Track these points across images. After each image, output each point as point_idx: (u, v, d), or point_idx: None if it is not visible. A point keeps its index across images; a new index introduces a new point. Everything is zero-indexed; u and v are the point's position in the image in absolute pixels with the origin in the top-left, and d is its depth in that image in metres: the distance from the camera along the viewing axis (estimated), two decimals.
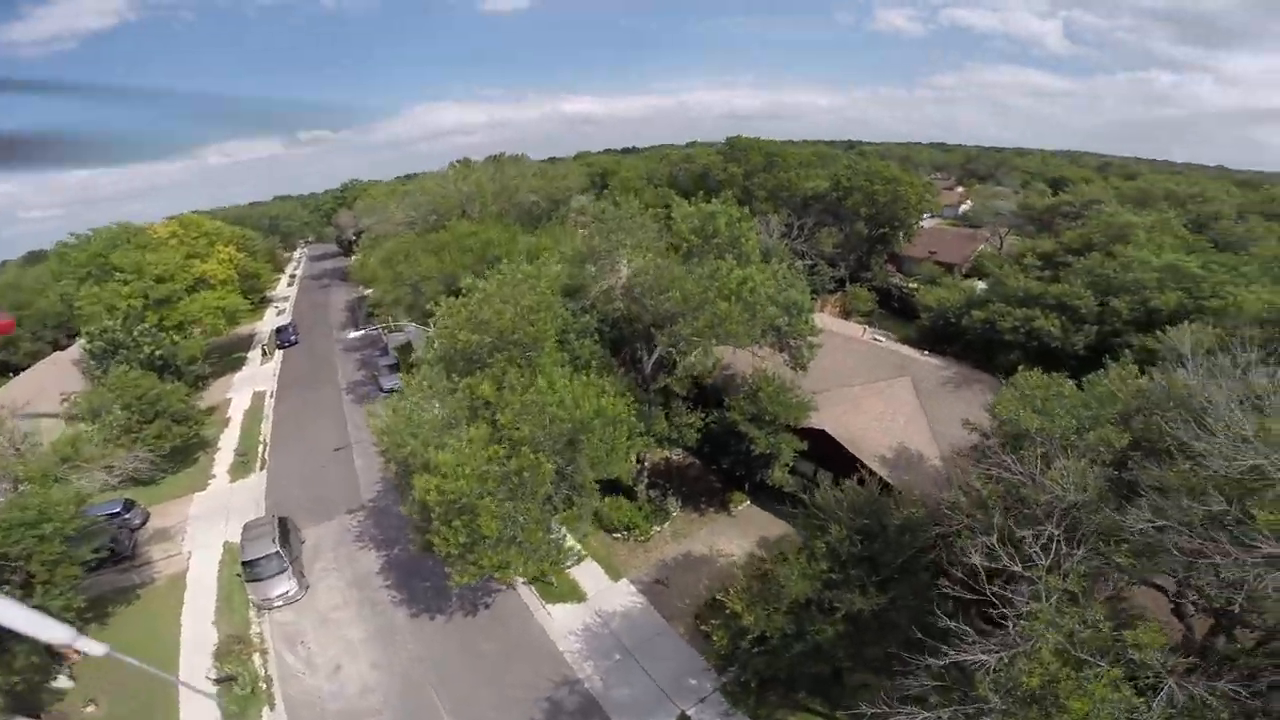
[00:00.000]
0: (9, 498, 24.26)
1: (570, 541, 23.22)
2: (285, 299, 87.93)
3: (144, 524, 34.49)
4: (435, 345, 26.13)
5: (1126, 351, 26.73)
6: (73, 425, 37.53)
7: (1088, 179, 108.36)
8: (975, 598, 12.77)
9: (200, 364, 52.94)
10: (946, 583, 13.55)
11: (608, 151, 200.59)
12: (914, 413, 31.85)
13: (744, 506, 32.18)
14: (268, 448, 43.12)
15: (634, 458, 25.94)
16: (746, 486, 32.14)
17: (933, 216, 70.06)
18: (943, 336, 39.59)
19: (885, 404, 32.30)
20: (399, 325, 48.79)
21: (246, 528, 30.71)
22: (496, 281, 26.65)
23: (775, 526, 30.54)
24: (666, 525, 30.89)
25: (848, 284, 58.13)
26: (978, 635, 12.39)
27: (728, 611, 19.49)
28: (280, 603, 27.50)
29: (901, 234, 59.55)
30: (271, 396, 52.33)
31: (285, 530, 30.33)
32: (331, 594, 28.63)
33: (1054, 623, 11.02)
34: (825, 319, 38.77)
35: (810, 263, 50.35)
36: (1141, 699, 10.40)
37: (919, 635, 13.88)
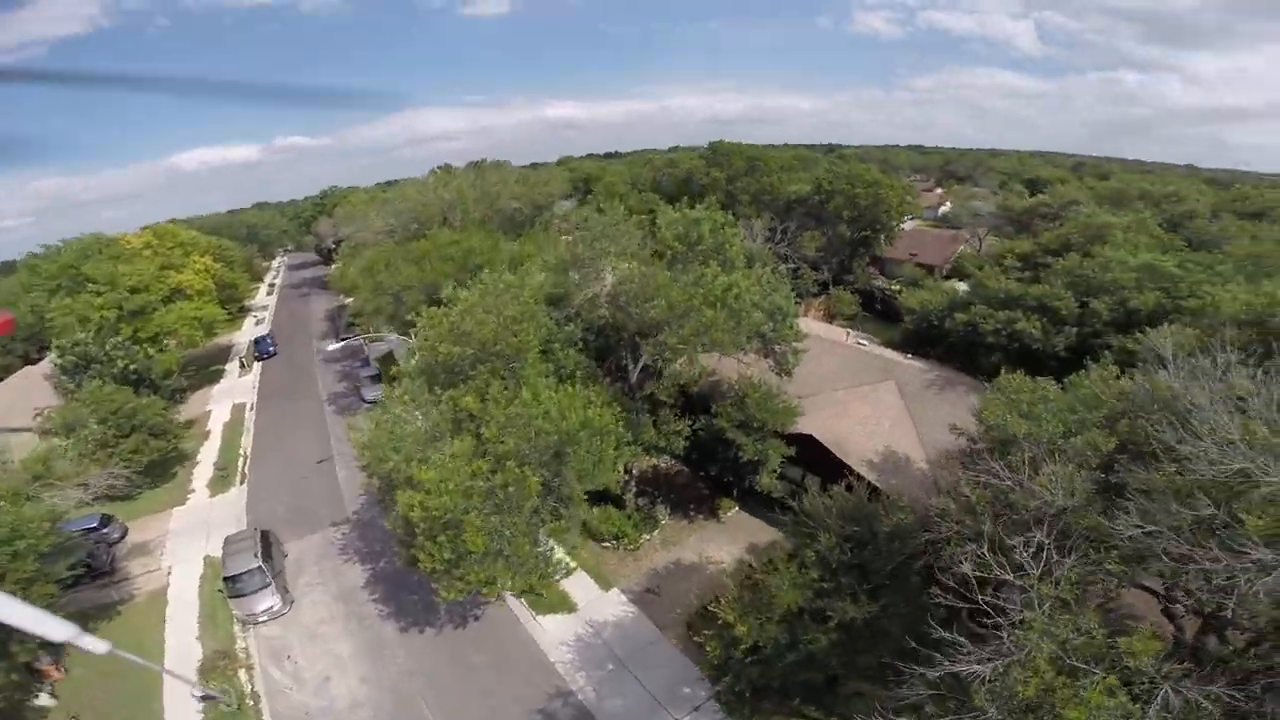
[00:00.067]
0: None
1: (559, 554, 22.94)
2: (264, 309, 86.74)
3: (122, 539, 33.82)
4: (416, 357, 25.77)
5: (1107, 352, 27.00)
6: (46, 440, 36.75)
7: (1063, 179, 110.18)
8: (968, 606, 12.74)
9: (177, 377, 52.01)
10: (938, 591, 13.50)
11: (590, 156, 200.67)
12: (899, 416, 31.99)
13: (733, 513, 32.09)
14: (248, 461, 42.45)
15: (622, 467, 25.74)
16: (735, 493, 32.05)
17: (913, 218, 70.63)
18: (926, 339, 39.87)
19: (871, 408, 32.41)
20: (380, 335, 48.18)
21: (227, 542, 30.13)
22: (478, 292, 26.31)
23: (764, 532, 30.44)
24: (656, 533, 30.68)
25: (831, 287, 58.41)
26: (971, 643, 12.37)
27: (720, 622, 19.39)
28: (265, 618, 27.02)
29: (883, 237, 60.00)
30: (251, 409, 51.54)
31: (268, 544, 29.81)
32: (317, 608, 28.13)
33: (1048, 631, 11.01)
34: (810, 323, 38.88)
35: (794, 266, 50.53)
36: (1137, 705, 10.42)
37: (912, 645, 13.83)
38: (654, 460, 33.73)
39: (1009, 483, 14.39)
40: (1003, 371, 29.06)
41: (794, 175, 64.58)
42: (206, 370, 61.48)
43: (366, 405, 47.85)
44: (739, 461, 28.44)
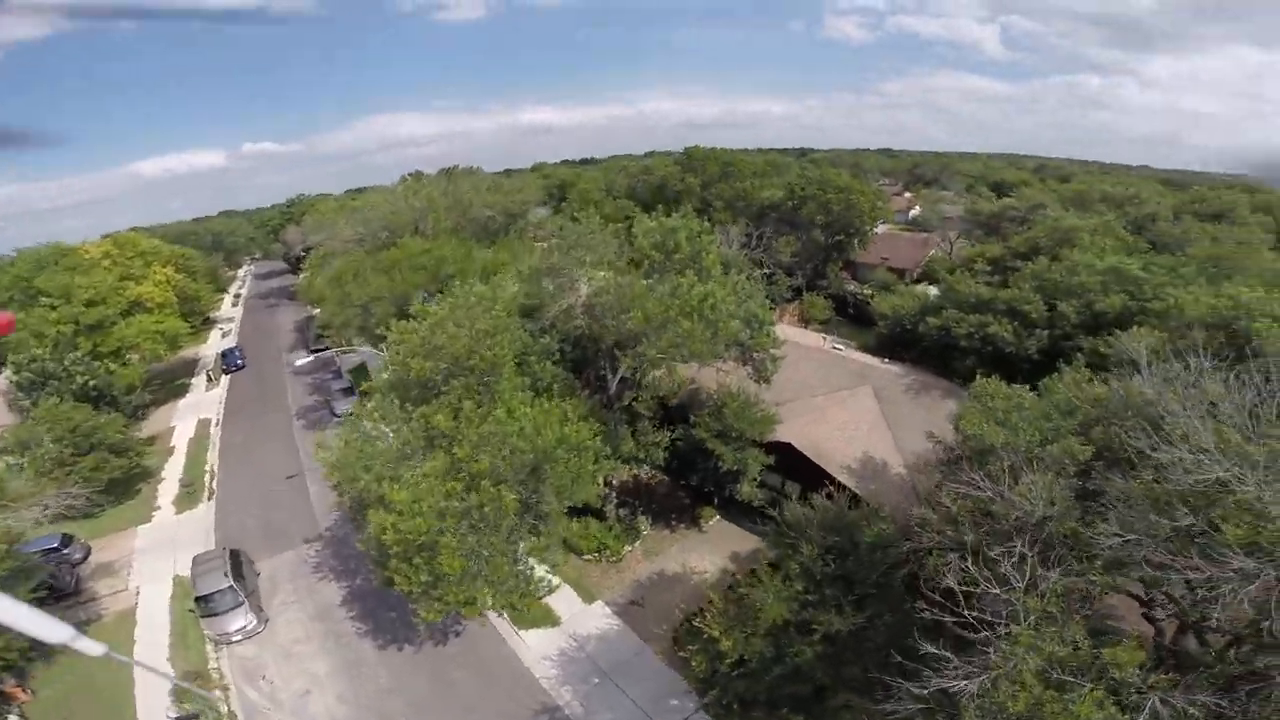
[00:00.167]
0: None
1: (540, 571, 22.53)
2: (230, 320, 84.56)
3: (85, 559, 32.82)
4: (386, 373, 25.17)
5: (1078, 355, 27.52)
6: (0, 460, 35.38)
7: (1026, 181, 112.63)
8: (953, 620, 12.70)
9: (139, 392, 50.47)
10: (924, 605, 13.45)
11: (566, 162, 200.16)
12: (876, 421, 32.17)
13: (714, 521, 31.95)
14: (215, 477, 41.36)
15: (601, 480, 25.45)
16: (716, 501, 31.94)
17: (884, 222, 71.52)
18: (900, 343, 40.28)
19: (848, 413, 32.56)
20: (352, 347, 47.25)
21: (196, 561, 29.31)
22: (449, 305, 25.77)
23: (746, 541, 30.37)
24: (638, 544, 30.43)
25: (805, 292, 58.81)
26: (957, 654, 12.33)
27: (705, 636, 19.21)
28: (239, 637, 26.40)
29: (856, 241, 60.63)
30: (218, 424, 50.18)
31: (238, 562, 29.08)
32: (293, 627, 27.45)
33: (1035, 645, 11.00)
34: (785, 329, 38.96)
35: (769, 272, 50.73)
36: (1126, 715, 10.44)
37: (898, 658, 13.78)
38: (634, 470, 33.49)
39: (989, 493, 14.42)
40: (977, 374, 29.60)
41: (767, 181, 64.93)
42: (171, 384, 59.76)
43: (337, 419, 46.91)
44: (719, 471, 28.35)
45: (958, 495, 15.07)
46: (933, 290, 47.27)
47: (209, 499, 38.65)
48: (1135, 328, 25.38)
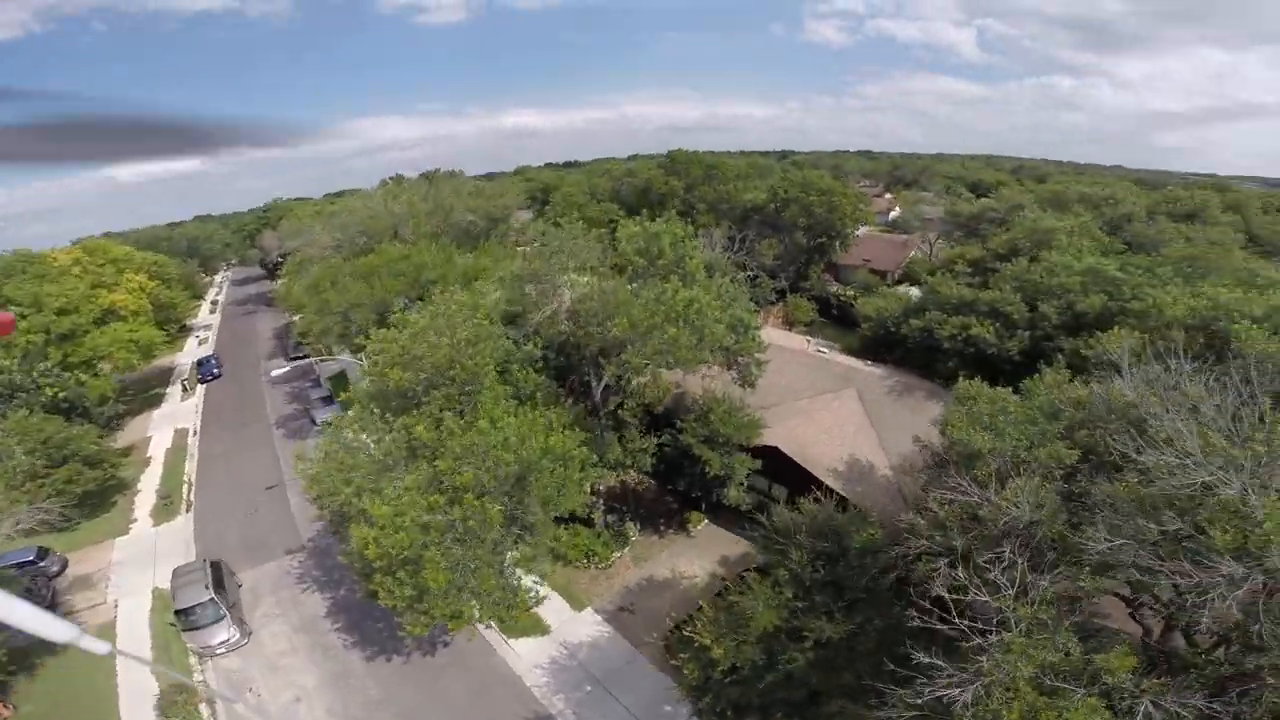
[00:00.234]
0: None
1: (527, 581, 22.25)
2: (207, 328, 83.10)
3: (62, 572, 32.38)
4: (366, 383, 24.74)
5: (1059, 355, 27.77)
6: None
7: (1003, 182, 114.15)
8: (946, 628, 12.67)
9: (113, 403, 49.40)
10: (914, 613, 13.41)
11: (549, 165, 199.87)
12: (861, 423, 32.28)
13: (702, 526, 31.86)
14: (193, 488, 40.71)
15: (588, 488, 25.23)
16: (704, 506, 31.84)
17: (864, 225, 72.01)
18: (883, 345, 40.45)
19: (833, 416, 32.62)
20: (332, 355, 46.49)
21: (176, 574, 28.78)
22: (429, 313, 25.37)
23: (735, 545, 30.28)
24: (626, 550, 30.26)
25: (788, 294, 59.02)
26: (948, 660, 12.29)
27: (696, 645, 19.09)
28: (222, 650, 25.98)
29: (838, 244, 60.95)
30: (195, 434, 49.31)
31: (219, 575, 28.57)
32: (278, 640, 27.01)
33: (1027, 653, 10.99)
34: (770, 332, 39.02)
35: (752, 274, 50.79)
36: None
37: (891, 666, 13.74)
38: (621, 476, 33.31)
39: (976, 498, 14.44)
40: (960, 376, 29.78)
41: (750, 183, 65.10)
42: (146, 394, 58.67)
43: (318, 427, 46.30)
44: (706, 476, 28.23)
45: (945, 500, 15.07)
46: (915, 291, 47.58)
47: (187, 510, 38.05)
48: (1115, 329, 25.61)
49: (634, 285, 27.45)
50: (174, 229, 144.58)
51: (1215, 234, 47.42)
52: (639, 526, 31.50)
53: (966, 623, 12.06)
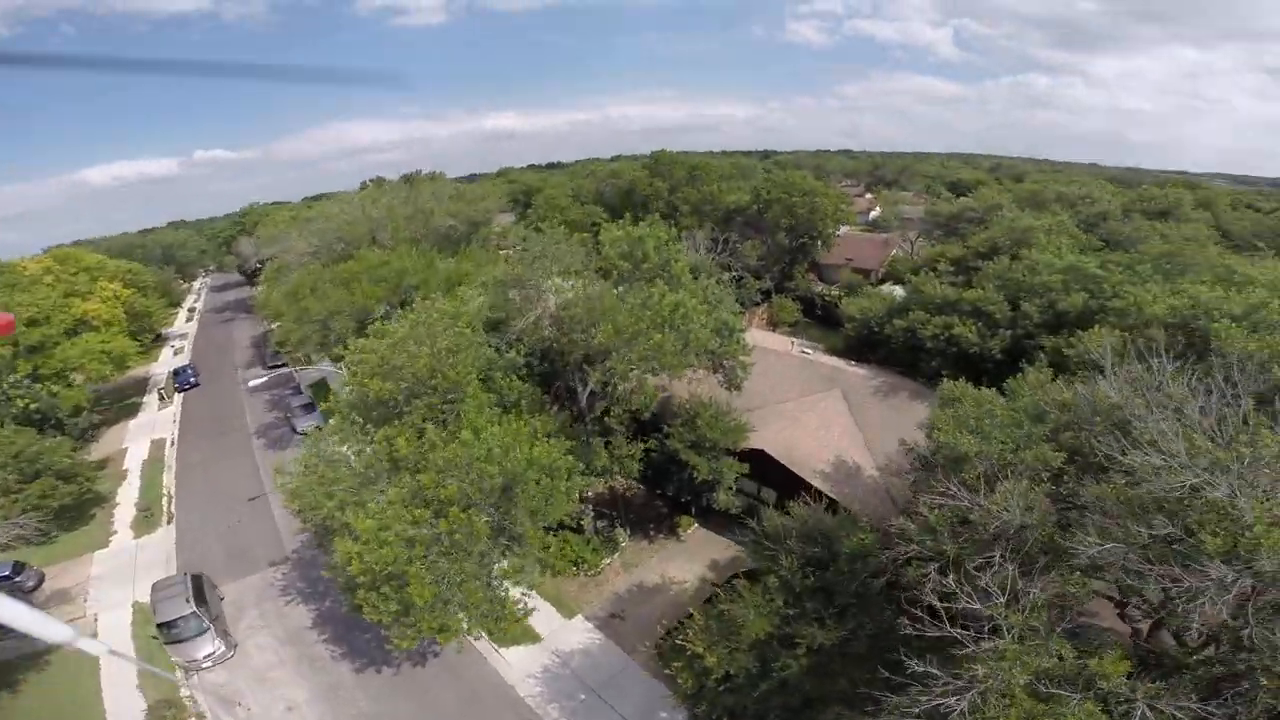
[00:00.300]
0: None
1: (515, 593, 21.97)
2: (183, 336, 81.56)
3: (39, 586, 31.89)
4: (346, 394, 24.28)
5: (1040, 354, 27.99)
6: None
7: (982, 181, 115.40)
8: (938, 635, 12.63)
9: (87, 414, 48.31)
10: (907, 622, 13.37)
11: (532, 167, 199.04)
12: (847, 424, 32.35)
13: (692, 530, 31.73)
14: (173, 500, 40.00)
15: (576, 496, 24.98)
16: (693, 510, 31.71)
17: (845, 224, 72.46)
18: (867, 345, 40.57)
19: (819, 418, 32.67)
20: (311, 364, 45.84)
21: (156, 587, 28.43)
22: (409, 322, 24.95)
23: (725, 549, 30.25)
24: (616, 556, 30.08)
25: (773, 295, 59.18)
26: (943, 671, 12.26)
27: (689, 653, 18.96)
28: (208, 663, 25.65)
29: (820, 244, 61.22)
30: (173, 444, 48.40)
31: (200, 587, 28.17)
32: (264, 653, 26.64)
33: (1022, 660, 10.98)
34: (755, 334, 39.04)
35: (737, 275, 50.84)
36: None
37: (885, 673, 13.69)
38: (609, 482, 33.12)
39: (966, 502, 14.45)
40: (943, 376, 29.94)
41: (733, 184, 65.24)
42: (122, 404, 57.52)
43: (299, 436, 45.61)
44: (694, 481, 28.12)
45: (935, 505, 15.07)
46: (898, 290, 47.84)
47: (168, 523, 37.48)
48: (1096, 328, 25.87)
49: (619, 289, 27.29)
50: (147, 236, 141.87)
51: (1189, 230, 48.26)
52: (629, 532, 31.32)
53: (959, 630, 12.02)
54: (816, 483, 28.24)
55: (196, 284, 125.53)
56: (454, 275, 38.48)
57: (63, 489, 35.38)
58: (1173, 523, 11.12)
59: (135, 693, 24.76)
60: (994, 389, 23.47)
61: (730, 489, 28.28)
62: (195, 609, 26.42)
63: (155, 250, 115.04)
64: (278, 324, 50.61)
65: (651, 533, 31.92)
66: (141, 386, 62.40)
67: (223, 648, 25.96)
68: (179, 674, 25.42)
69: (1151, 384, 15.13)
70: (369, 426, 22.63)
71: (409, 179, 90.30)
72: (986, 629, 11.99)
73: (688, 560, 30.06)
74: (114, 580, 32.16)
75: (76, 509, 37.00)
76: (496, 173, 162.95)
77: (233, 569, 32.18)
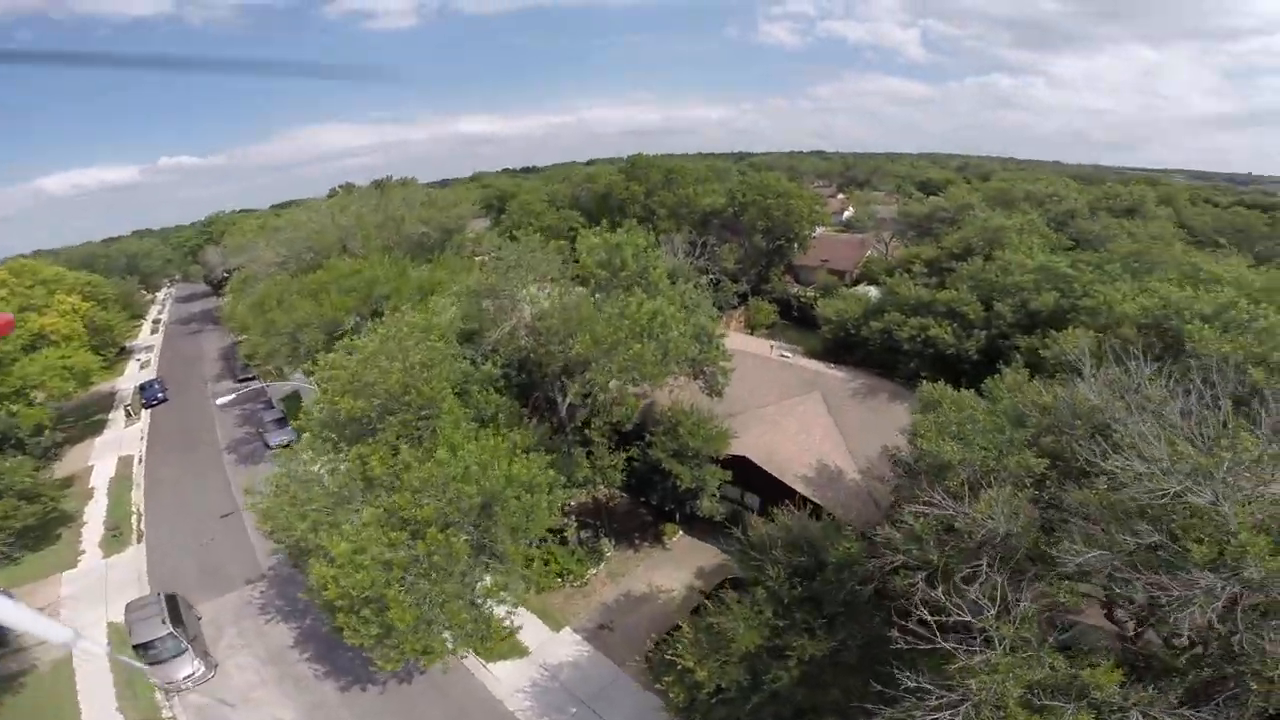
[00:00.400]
0: None
1: (501, 611, 21.58)
2: (149, 349, 79.40)
3: None
4: (316, 412, 23.65)
5: (1016, 354, 28.31)
6: None
7: (951, 180, 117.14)
8: (930, 648, 12.59)
9: (50, 433, 46.71)
10: (897, 634, 13.32)
11: (507, 171, 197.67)
12: (828, 427, 32.45)
13: (677, 538, 31.62)
14: (142, 518, 39.14)
15: (558, 509, 24.62)
16: (678, 517, 31.55)
17: (820, 225, 73.02)
18: (844, 347, 40.63)
19: (800, 422, 32.71)
20: (283, 377, 44.74)
21: (130, 608, 27.82)
22: (379, 336, 24.39)
23: (711, 556, 30.21)
24: (602, 567, 29.83)
25: (750, 297, 59.36)
26: (935, 681, 12.25)
27: (680, 667, 18.79)
28: (188, 684, 25.17)
29: (796, 245, 61.56)
30: (141, 461, 47.30)
31: (175, 608, 27.57)
32: (245, 672, 26.13)
33: (1014, 673, 10.98)
34: (734, 338, 38.95)
35: (714, 279, 50.89)
36: None
37: (878, 686, 13.64)
38: (592, 492, 32.85)
39: (951, 510, 14.47)
40: (921, 377, 30.12)
41: (709, 187, 65.31)
42: (87, 421, 55.87)
43: (271, 451, 44.67)
44: (678, 489, 27.97)
45: (920, 514, 15.08)
46: (873, 291, 48.12)
47: (138, 541, 36.69)
48: (1070, 328, 26.21)
49: (597, 297, 27.02)
50: (110, 245, 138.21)
51: (1155, 228, 49.27)
52: (613, 542, 31.06)
53: (951, 644, 11.99)
54: (799, 487, 28.26)
55: (161, 294, 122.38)
56: (427, 284, 37.76)
57: (25, 509, 34.47)
58: (1157, 529, 11.20)
59: (116, 715, 24.38)
60: (973, 390, 23.70)
61: (714, 496, 28.17)
62: (172, 629, 25.98)
63: (118, 260, 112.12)
64: (245, 337, 49.37)
65: (637, 541, 31.75)
66: (107, 402, 60.72)
67: (202, 668, 25.51)
68: (159, 695, 24.98)
69: (1130, 386, 15.30)
70: (342, 445, 22.06)
71: (380, 185, 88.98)
72: (978, 641, 11.97)
73: (674, 568, 29.94)
74: (86, 601, 31.46)
75: (41, 529, 36.13)
76: (470, 177, 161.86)
77: (208, 587, 31.52)
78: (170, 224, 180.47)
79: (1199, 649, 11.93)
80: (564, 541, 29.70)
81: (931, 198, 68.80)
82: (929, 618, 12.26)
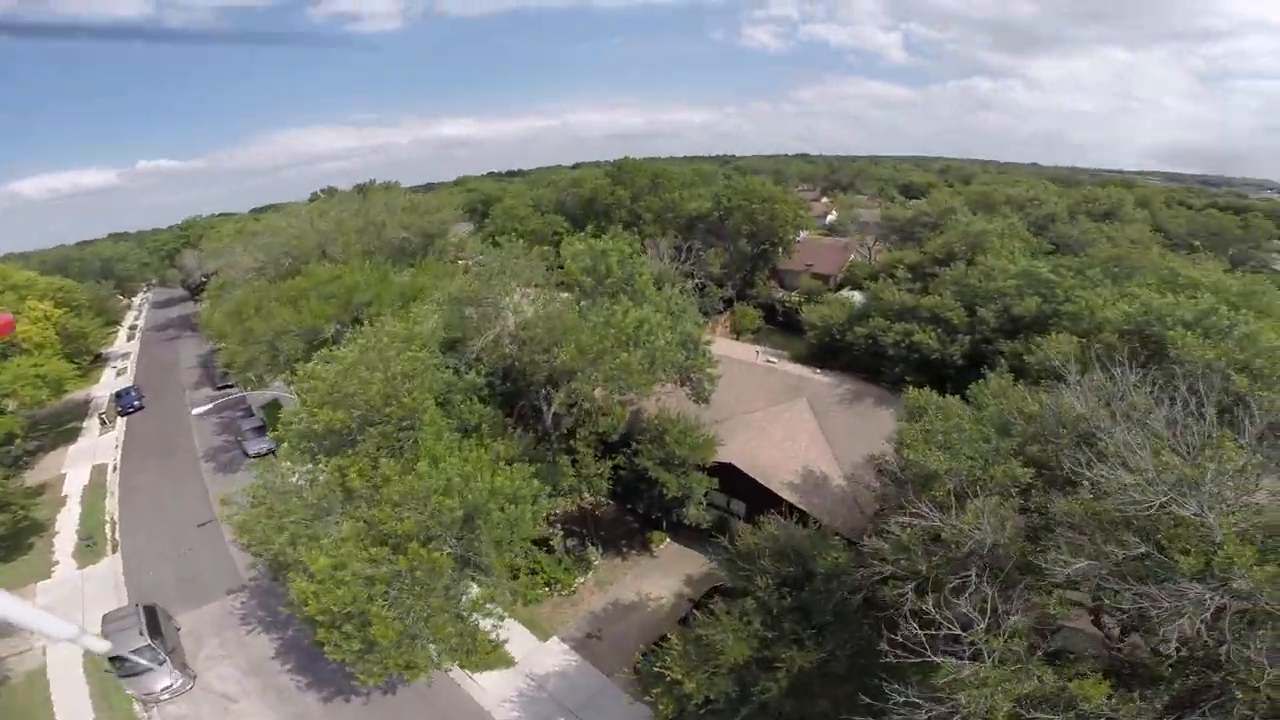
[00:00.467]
0: None
1: (486, 624, 21.24)
2: (125, 356, 77.71)
3: None
4: (295, 423, 23.16)
5: (1000, 359, 28.48)
6: None
7: (933, 184, 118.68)
8: (920, 660, 12.51)
9: (21, 441, 45.57)
10: (887, 647, 13.24)
11: (491, 175, 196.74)
12: (814, 433, 32.48)
13: (665, 545, 31.47)
14: (117, 527, 38.19)
15: (543, 520, 24.28)
16: (665, 525, 31.38)
17: (804, 229, 73.40)
18: (829, 352, 40.73)
19: (785, 428, 32.69)
20: (263, 384, 44.00)
21: (106, 619, 27.09)
22: (358, 347, 23.97)
23: (699, 563, 30.09)
24: (589, 575, 29.57)
25: (735, 302, 59.42)
26: (924, 694, 12.17)
27: (668, 679, 18.61)
28: (167, 695, 24.71)
29: (780, 250, 61.75)
30: (115, 470, 46.18)
31: (154, 618, 26.99)
32: (226, 683, 25.60)
33: (1004, 687, 10.93)
34: (720, 344, 38.87)
35: (700, 284, 50.87)
36: None
37: (866, 700, 13.54)
38: (578, 501, 32.58)
39: (938, 520, 14.42)
40: (906, 381, 30.19)
41: (694, 191, 65.33)
42: (60, 429, 54.48)
43: (250, 459, 43.83)
44: (665, 497, 27.79)
45: (906, 524, 15.03)
46: (857, 296, 48.32)
47: (114, 551, 35.81)
48: (1053, 333, 26.41)
49: (582, 304, 26.77)
50: (85, 249, 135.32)
51: (1133, 232, 50.00)
52: (600, 550, 30.80)
53: (940, 657, 11.91)
54: (786, 494, 28.21)
55: (138, 299, 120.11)
56: (409, 290, 37.24)
57: None
58: (1144, 540, 11.21)
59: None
60: (958, 396, 23.80)
61: (701, 504, 28.01)
62: (149, 642, 25.39)
63: (93, 264, 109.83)
64: (222, 345, 48.47)
65: (624, 549, 31.54)
66: (81, 410, 59.32)
67: (181, 679, 25.13)
68: (137, 707, 24.50)
69: (1115, 393, 15.37)
70: (320, 456, 21.62)
71: (362, 189, 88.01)
72: (968, 655, 11.89)
73: (662, 575, 29.78)
74: (61, 612, 30.28)
75: (12, 538, 35.33)
76: (454, 181, 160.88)
77: (187, 598, 30.86)
78: (148, 227, 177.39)
79: (1184, 652, 11.94)
80: (550, 550, 29.40)
81: (914, 201, 69.50)
82: (919, 632, 12.16)
